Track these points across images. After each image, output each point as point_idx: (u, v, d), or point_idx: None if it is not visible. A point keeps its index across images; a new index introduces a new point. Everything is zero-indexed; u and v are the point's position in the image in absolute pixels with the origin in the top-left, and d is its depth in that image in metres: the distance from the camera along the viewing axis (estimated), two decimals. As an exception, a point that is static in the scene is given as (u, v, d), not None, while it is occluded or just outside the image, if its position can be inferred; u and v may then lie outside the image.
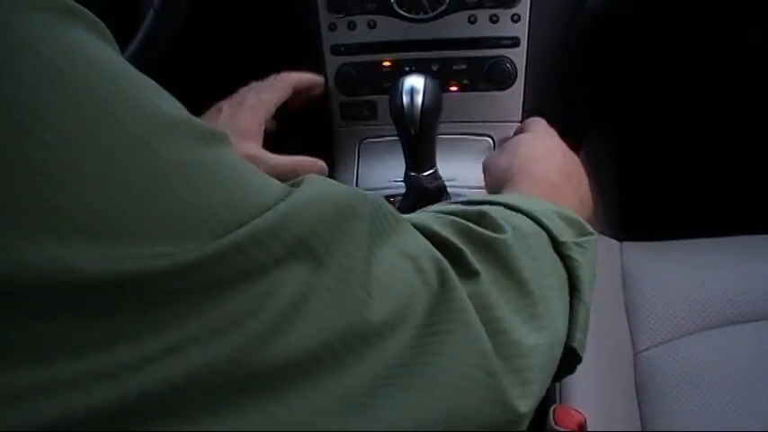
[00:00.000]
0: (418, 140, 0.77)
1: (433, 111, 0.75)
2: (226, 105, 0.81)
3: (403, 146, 0.79)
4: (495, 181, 0.67)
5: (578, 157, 0.74)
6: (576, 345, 0.48)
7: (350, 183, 0.95)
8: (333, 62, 0.95)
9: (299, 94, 0.88)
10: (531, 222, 0.48)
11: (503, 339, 0.38)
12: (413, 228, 0.39)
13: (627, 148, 1.44)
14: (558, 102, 0.99)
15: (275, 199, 0.30)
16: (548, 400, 0.71)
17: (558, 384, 0.73)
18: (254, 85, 0.84)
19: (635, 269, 0.90)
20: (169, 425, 0.26)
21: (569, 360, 0.48)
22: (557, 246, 0.48)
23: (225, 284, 0.27)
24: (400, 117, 0.75)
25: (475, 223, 0.43)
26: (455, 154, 0.92)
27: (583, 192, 0.66)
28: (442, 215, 0.43)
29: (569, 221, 0.51)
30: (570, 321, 0.48)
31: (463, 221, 0.42)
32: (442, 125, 0.79)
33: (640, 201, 1.38)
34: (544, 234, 0.48)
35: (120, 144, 0.26)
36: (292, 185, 0.33)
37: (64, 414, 0.24)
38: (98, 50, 0.28)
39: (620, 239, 0.97)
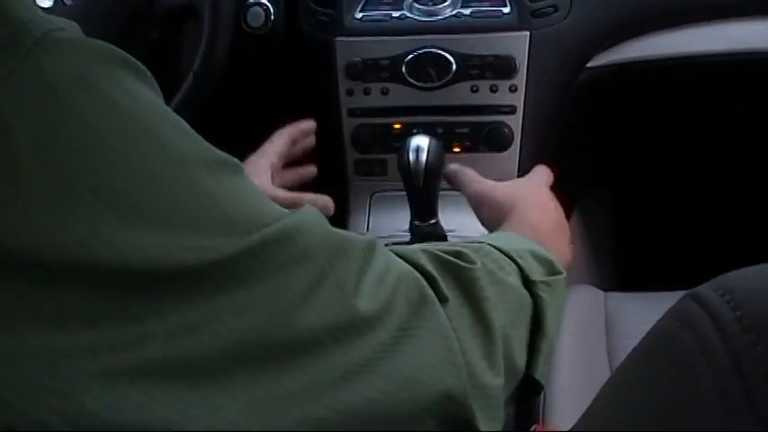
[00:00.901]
0: (422, 193, 0.86)
1: (435, 167, 0.85)
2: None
3: (409, 198, 0.89)
4: (491, 215, 0.74)
5: (573, 212, 0.82)
6: (537, 375, 0.53)
7: (362, 230, 1.05)
8: (349, 123, 1.07)
9: (297, 141, 0.96)
10: (508, 260, 0.54)
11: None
12: (398, 257, 0.47)
13: (618, 207, 1.53)
14: (552, 163, 1.09)
15: (278, 216, 0.38)
16: (530, 422, 0.79)
17: (541, 408, 0.81)
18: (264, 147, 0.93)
19: (617, 316, 0.99)
20: (206, 381, 0.33)
21: (534, 387, 0.54)
22: (527, 283, 0.53)
23: (252, 275, 0.35)
24: (407, 172, 0.85)
25: (451, 256, 0.49)
26: (456, 208, 1.01)
27: (569, 242, 0.74)
28: (424, 250, 0.50)
29: (542, 261, 0.57)
30: (532, 353, 0.53)
31: (440, 254, 0.49)
32: (444, 182, 0.89)
33: (629, 256, 1.47)
34: (516, 270, 0.54)
35: (167, 168, 0.34)
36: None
37: (114, 370, 0.31)
38: (148, 95, 0.37)
39: (606, 290, 1.05)
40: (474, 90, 1.03)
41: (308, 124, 0.97)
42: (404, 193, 0.89)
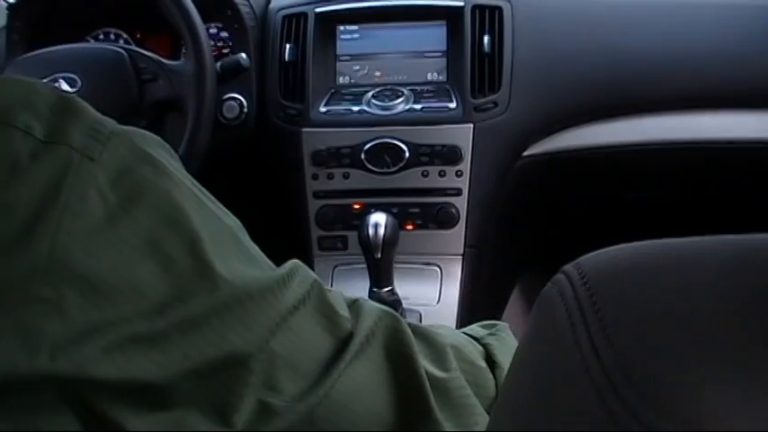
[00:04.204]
0: (380, 263, 0.94)
1: (391, 240, 0.93)
2: None
3: (368, 268, 0.96)
4: None
5: (515, 286, 0.88)
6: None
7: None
8: (314, 204, 1.15)
9: None
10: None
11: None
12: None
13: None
14: (495, 239, 1.21)
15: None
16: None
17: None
18: None
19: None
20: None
21: None
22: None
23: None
24: (367, 245, 0.94)
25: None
26: (409, 278, 1.07)
27: None
28: None
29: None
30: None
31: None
32: (399, 256, 0.96)
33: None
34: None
35: None
36: None
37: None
38: (177, 164, 0.47)
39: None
40: (424, 175, 1.13)
41: None
42: (363, 265, 0.98)
